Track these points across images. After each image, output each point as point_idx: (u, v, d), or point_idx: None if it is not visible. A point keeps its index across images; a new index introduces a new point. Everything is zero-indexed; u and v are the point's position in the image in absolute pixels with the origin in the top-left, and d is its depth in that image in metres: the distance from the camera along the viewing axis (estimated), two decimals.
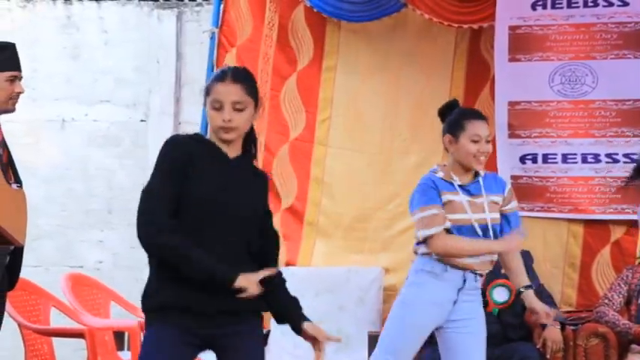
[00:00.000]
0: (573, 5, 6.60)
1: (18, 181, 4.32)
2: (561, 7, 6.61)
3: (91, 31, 7.89)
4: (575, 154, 6.57)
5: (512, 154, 6.61)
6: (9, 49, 4.37)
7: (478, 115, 4.69)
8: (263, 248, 3.67)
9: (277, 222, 6.65)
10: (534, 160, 6.60)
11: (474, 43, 6.79)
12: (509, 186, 4.75)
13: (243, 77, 3.62)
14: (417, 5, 6.73)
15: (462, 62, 6.82)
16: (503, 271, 5.85)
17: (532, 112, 6.64)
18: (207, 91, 3.62)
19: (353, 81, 6.93)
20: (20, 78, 4.37)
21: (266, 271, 3.54)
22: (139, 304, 6.16)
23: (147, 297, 3.63)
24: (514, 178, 6.60)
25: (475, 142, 4.53)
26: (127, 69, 7.80)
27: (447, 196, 4.52)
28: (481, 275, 4.62)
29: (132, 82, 7.81)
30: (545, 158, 6.60)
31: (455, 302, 4.52)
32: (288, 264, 6.66)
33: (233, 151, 3.61)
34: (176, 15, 7.86)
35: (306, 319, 3.71)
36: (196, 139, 3.62)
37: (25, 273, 5.13)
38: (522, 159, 6.63)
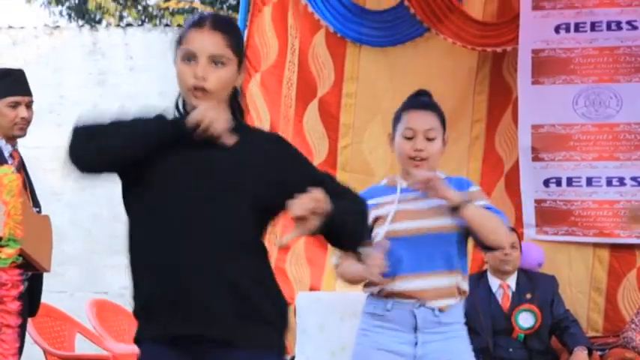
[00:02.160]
0: (597, 29, 6.58)
1: (36, 204, 4.32)
2: (585, 31, 6.59)
3: (116, 58, 7.93)
4: (599, 178, 6.51)
5: (536, 178, 6.56)
6: (12, 75, 4.38)
7: (420, 105, 3.81)
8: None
9: (301, 247, 6.63)
10: (558, 184, 6.55)
11: (496, 67, 6.76)
12: (475, 187, 3.89)
13: (227, 26, 2.88)
14: (441, 30, 6.73)
15: (484, 86, 6.79)
16: (528, 295, 5.84)
17: (556, 136, 6.59)
18: (179, 40, 2.92)
19: (374, 106, 6.90)
20: (28, 103, 4.36)
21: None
22: None
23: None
24: (538, 201, 6.56)
25: (408, 138, 3.71)
26: (152, 94, 7.82)
27: (376, 211, 3.71)
28: (440, 310, 3.72)
29: (157, 107, 7.82)
30: (570, 181, 6.54)
31: (416, 344, 3.70)
32: (312, 289, 6.62)
33: None
34: None
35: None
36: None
37: (50, 299, 5.14)
38: (546, 182, 6.57)
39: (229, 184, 2.80)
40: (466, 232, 3.76)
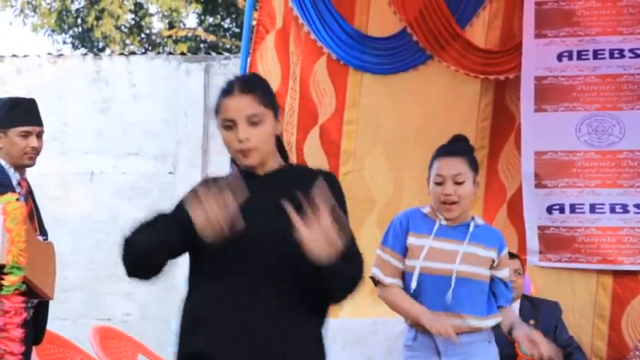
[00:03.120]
0: (599, 56, 6.59)
1: (43, 232, 4.33)
2: (587, 59, 6.60)
3: (120, 85, 7.96)
4: (603, 205, 6.51)
5: (539, 205, 6.56)
6: (24, 104, 4.38)
7: (447, 151, 4.07)
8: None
9: None
10: (562, 211, 6.55)
11: (499, 94, 6.78)
12: (506, 250, 4.16)
13: (254, 85, 3.04)
14: (443, 57, 6.76)
15: (487, 113, 6.81)
16: (532, 322, 5.83)
17: (559, 162, 6.60)
18: (216, 110, 3.05)
19: (375, 133, 6.90)
20: (39, 133, 4.37)
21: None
22: (166, 357, 6.17)
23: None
24: (541, 228, 6.55)
25: (438, 184, 3.99)
26: (155, 122, 7.85)
27: (411, 239, 4.01)
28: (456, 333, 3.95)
29: (160, 134, 7.86)
30: (573, 208, 6.54)
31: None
32: None
33: (265, 167, 3.01)
34: (204, 68, 7.91)
35: None
36: (215, 178, 3.06)
37: (53, 326, 5.12)
38: (549, 209, 6.57)
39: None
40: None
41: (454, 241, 3.97)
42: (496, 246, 4.08)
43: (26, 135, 4.31)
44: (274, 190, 2.93)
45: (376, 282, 4.16)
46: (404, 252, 4.05)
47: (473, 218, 4.09)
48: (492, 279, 4.10)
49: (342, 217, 2.91)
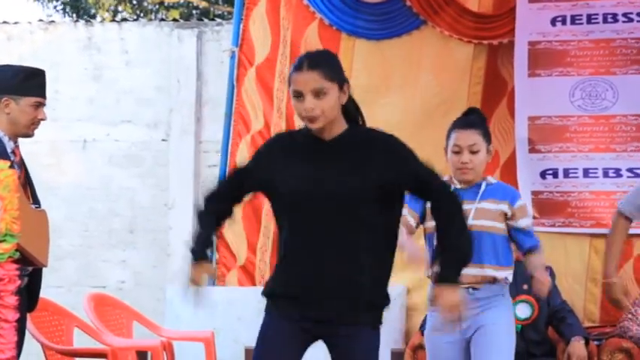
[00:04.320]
0: (593, 21, 6.61)
1: (36, 201, 4.34)
2: (581, 23, 6.62)
3: (112, 52, 7.93)
4: (596, 169, 6.55)
5: (533, 169, 6.60)
6: (40, 76, 4.40)
7: (465, 124, 4.43)
8: (435, 210, 3.56)
9: None
10: (555, 175, 6.58)
11: (492, 59, 6.79)
12: (521, 202, 4.44)
13: (320, 62, 3.51)
14: (437, 22, 6.77)
15: (480, 77, 6.82)
16: (525, 286, 5.87)
17: (552, 127, 6.63)
18: (289, 82, 3.56)
19: (367, 98, 6.89)
20: (44, 105, 4.40)
21: None
22: (161, 324, 6.20)
23: (266, 283, 3.65)
24: (535, 193, 6.59)
25: (456, 152, 4.33)
26: (148, 89, 7.83)
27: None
28: (474, 288, 4.31)
29: (153, 101, 7.84)
30: (567, 173, 6.58)
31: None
32: None
33: (330, 133, 3.51)
34: (196, 35, 7.89)
35: None
36: (290, 133, 3.75)
37: (48, 293, 5.13)
38: (543, 174, 6.61)
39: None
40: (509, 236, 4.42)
41: (467, 201, 4.24)
42: (507, 199, 4.37)
43: (38, 106, 4.34)
44: (340, 152, 3.49)
45: None
46: (422, 213, 4.37)
47: (485, 179, 4.41)
48: (510, 230, 4.38)
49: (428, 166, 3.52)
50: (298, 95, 3.47)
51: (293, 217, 3.49)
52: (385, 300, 3.56)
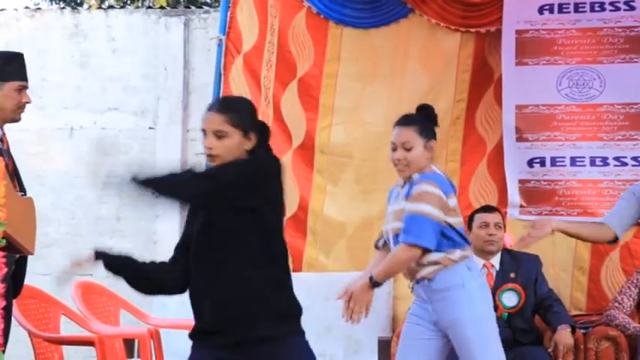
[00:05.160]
0: (580, 10, 6.62)
1: (23, 189, 4.33)
2: (568, 12, 6.63)
3: (98, 40, 7.91)
4: (583, 158, 6.56)
5: (520, 158, 6.61)
6: (19, 59, 4.39)
7: (401, 122, 4.52)
8: None
9: None
10: (542, 164, 6.59)
11: (479, 47, 6.79)
12: (415, 188, 4.39)
13: (229, 107, 3.75)
14: (424, 10, 6.77)
15: (467, 65, 6.81)
16: (512, 275, 5.89)
17: (540, 116, 6.64)
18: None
19: (355, 87, 6.90)
20: (27, 88, 4.38)
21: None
22: (148, 312, 6.20)
23: None
24: (522, 181, 6.61)
25: (393, 150, 4.44)
26: (135, 77, 7.82)
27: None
28: (427, 279, 4.39)
29: (140, 89, 7.82)
30: (554, 161, 6.59)
31: (432, 311, 4.45)
32: (294, 271, 6.64)
33: None
34: (183, 22, 7.87)
35: None
36: None
37: (35, 281, 5.14)
38: (530, 162, 6.62)
39: None
40: None
41: (396, 202, 4.47)
42: (412, 191, 4.41)
43: (21, 89, 4.32)
44: None
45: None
46: None
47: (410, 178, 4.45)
48: None
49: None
50: (204, 133, 3.73)
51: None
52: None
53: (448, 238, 4.38)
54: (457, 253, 4.39)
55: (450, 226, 4.38)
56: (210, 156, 3.72)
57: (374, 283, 4.36)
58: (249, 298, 3.64)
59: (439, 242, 4.35)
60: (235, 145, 3.70)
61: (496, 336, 4.43)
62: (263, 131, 3.82)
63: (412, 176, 4.42)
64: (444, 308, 4.37)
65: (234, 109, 3.74)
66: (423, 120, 4.56)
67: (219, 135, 3.67)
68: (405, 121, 4.52)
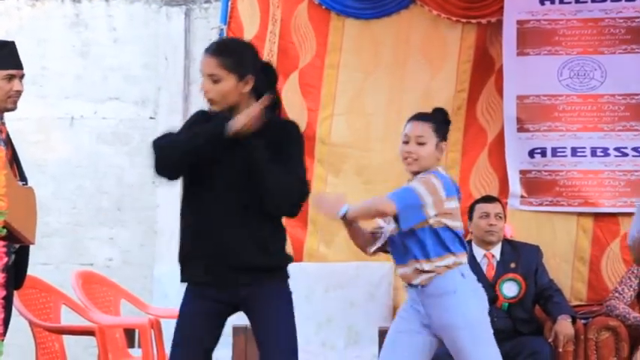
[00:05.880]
0: (581, 0, 6.62)
1: (23, 179, 4.33)
2: (569, 2, 6.64)
3: (99, 29, 7.90)
4: (584, 148, 6.57)
5: (521, 148, 6.62)
6: (7, 47, 4.35)
7: (418, 116, 4.52)
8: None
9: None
10: (543, 154, 6.60)
11: (480, 38, 6.79)
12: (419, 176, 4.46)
13: (224, 51, 3.82)
14: (426, 2, 6.78)
15: (468, 56, 6.81)
16: (512, 265, 5.90)
17: (541, 106, 6.65)
18: None
19: (356, 78, 6.91)
20: (21, 76, 4.35)
21: (261, 103, 3.74)
22: (149, 302, 6.21)
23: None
24: (523, 172, 6.62)
25: (405, 142, 4.43)
26: (135, 66, 7.81)
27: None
28: (422, 285, 4.39)
29: (141, 79, 7.82)
30: (555, 152, 6.60)
31: (425, 315, 4.43)
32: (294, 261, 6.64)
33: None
34: (184, 12, 7.86)
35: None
36: (216, 113, 3.86)
37: (35, 271, 5.14)
38: (531, 153, 6.63)
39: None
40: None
41: None
42: None
43: (11, 78, 4.29)
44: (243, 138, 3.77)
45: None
46: None
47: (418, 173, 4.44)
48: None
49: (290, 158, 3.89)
50: (202, 75, 3.84)
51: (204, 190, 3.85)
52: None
53: (442, 241, 4.37)
54: (450, 259, 4.38)
55: (447, 227, 4.36)
56: (208, 100, 3.81)
57: (343, 216, 4.32)
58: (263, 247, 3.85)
59: (432, 247, 4.35)
60: (230, 89, 3.76)
61: (491, 340, 4.41)
62: (269, 72, 3.89)
63: (419, 173, 4.41)
64: (437, 313, 4.38)
65: (229, 54, 3.80)
66: (439, 120, 4.55)
67: (214, 79, 3.76)
68: (422, 117, 4.50)
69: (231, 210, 3.80)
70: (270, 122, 3.85)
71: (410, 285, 4.43)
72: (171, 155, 3.79)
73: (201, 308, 3.88)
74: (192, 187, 3.89)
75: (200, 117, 3.96)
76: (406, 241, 4.37)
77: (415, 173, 4.42)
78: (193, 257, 3.87)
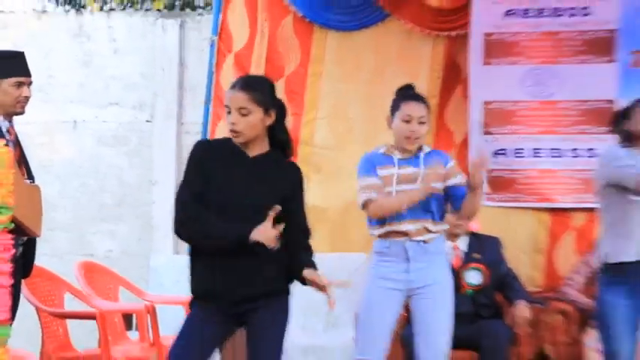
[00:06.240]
0: (542, 15, 6.69)
1: (31, 177, 4.36)
2: (530, 17, 6.70)
3: (101, 40, 7.89)
4: (542, 149, 6.65)
5: (486, 150, 6.66)
6: (16, 57, 4.39)
7: (413, 97, 4.53)
8: (291, 237, 3.78)
9: None
10: (505, 154, 6.69)
11: (449, 49, 6.86)
12: (451, 163, 4.54)
13: (251, 86, 3.79)
14: (400, 15, 6.83)
15: (439, 65, 6.88)
16: (476, 255, 5.96)
17: (504, 111, 6.71)
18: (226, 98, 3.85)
19: (338, 85, 6.94)
20: (29, 83, 4.40)
21: (272, 213, 3.66)
22: (145, 289, 6.25)
23: (189, 283, 3.86)
24: (487, 171, 6.63)
25: (407, 121, 4.42)
26: (134, 74, 7.81)
27: (380, 171, 4.46)
28: (424, 242, 4.46)
29: (138, 86, 7.81)
30: (516, 153, 6.68)
31: (407, 271, 4.44)
32: None
33: (254, 150, 3.80)
34: (179, 24, 7.87)
35: (307, 266, 3.82)
36: (219, 142, 3.94)
37: (42, 262, 5.15)
38: (495, 154, 6.69)
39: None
40: (445, 195, 4.48)
41: (412, 167, 4.44)
42: (442, 161, 4.46)
43: (20, 85, 4.33)
44: (257, 170, 3.77)
45: (364, 206, 4.48)
46: (376, 174, 4.46)
47: (421, 148, 4.50)
48: (447, 188, 4.46)
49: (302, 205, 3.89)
50: (228, 111, 3.76)
51: (219, 217, 3.72)
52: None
53: (443, 208, 4.54)
54: (446, 226, 4.60)
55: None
56: (233, 132, 3.75)
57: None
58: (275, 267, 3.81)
59: (439, 212, 4.49)
60: (257, 121, 3.75)
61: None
62: (281, 108, 3.88)
63: (422, 147, 4.49)
64: (430, 268, 4.45)
65: (256, 88, 3.79)
66: (426, 99, 4.63)
67: (243, 113, 3.72)
68: (418, 97, 4.54)
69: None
70: (280, 161, 3.88)
71: (409, 240, 4.42)
72: (196, 238, 3.76)
73: (208, 320, 3.82)
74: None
75: (204, 149, 3.89)
76: (431, 201, 4.41)
77: (409, 151, 4.47)
78: (203, 280, 3.82)
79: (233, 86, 3.80)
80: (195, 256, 3.82)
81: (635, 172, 4.42)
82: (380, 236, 4.51)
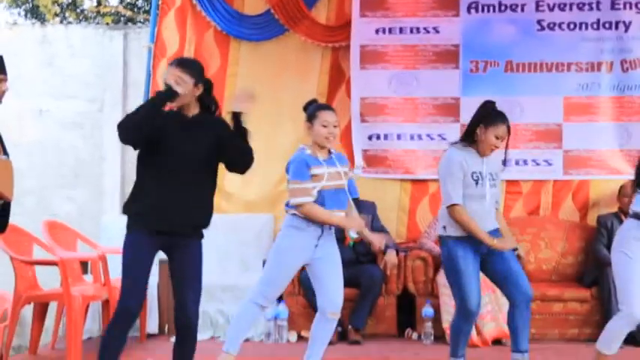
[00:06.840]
0: (403, 32, 6.72)
1: (6, 153, 4.21)
2: (395, 33, 6.72)
3: (61, 46, 7.70)
4: (405, 134, 6.69)
5: (363, 134, 6.71)
6: None
7: (327, 107, 4.51)
8: (229, 156, 3.87)
9: None
10: (378, 138, 6.71)
11: (334, 56, 6.84)
12: (348, 162, 4.54)
13: (184, 64, 3.88)
14: (296, 30, 6.78)
15: (326, 68, 6.84)
16: None
17: (377, 105, 6.72)
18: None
19: (249, 84, 6.86)
20: (6, 80, 4.23)
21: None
22: (98, 242, 6.10)
23: (126, 204, 3.84)
24: (364, 150, 6.70)
25: (325, 126, 4.34)
26: (88, 74, 7.64)
27: (314, 170, 4.28)
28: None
29: (92, 83, 7.65)
30: (386, 137, 6.70)
31: (316, 246, 4.33)
32: None
33: (191, 111, 3.90)
34: (123, 35, 7.71)
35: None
36: (171, 112, 3.91)
37: (15, 220, 4.96)
38: (370, 137, 6.71)
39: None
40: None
41: (327, 167, 4.33)
42: (346, 163, 4.47)
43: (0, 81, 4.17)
44: (195, 126, 3.87)
45: (300, 206, 4.29)
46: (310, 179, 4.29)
47: (330, 151, 4.43)
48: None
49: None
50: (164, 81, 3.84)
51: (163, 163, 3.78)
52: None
53: None
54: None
55: None
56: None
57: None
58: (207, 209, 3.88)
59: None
60: (189, 91, 3.82)
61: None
62: (207, 84, 3.93)
63: (331, 152, 4.40)
64: (331, 243, 4.41)
65: (188, 65, 3.88)
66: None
67: (178, 82, 3.78)
68: (331, 107, 4.51)
69: (187, 177, 3.79)
70: (210, 117, 3.94)
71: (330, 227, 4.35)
72: (129, 123, 3.71)
73: (149, 243, 3.80)
74: (150, 158, 3.82)
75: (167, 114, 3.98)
76: (342, 196, 4.39)
77: (327, 152, 4.39)
78: (156, 208, 3.76)
79: (172, 63, 3.87)
80: (139, 183, 3.83)
81: None
82: (299, 215, 4.33)
